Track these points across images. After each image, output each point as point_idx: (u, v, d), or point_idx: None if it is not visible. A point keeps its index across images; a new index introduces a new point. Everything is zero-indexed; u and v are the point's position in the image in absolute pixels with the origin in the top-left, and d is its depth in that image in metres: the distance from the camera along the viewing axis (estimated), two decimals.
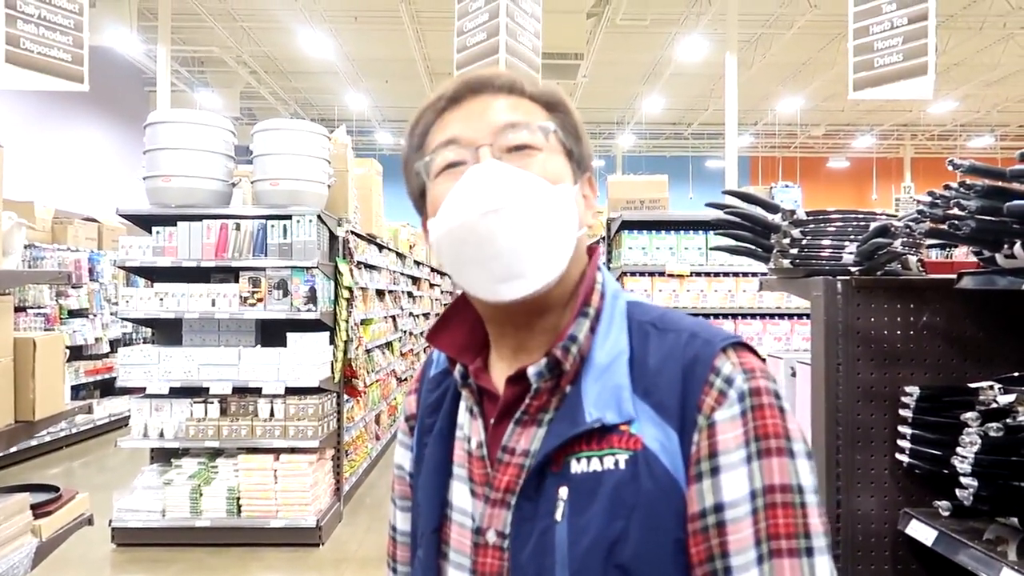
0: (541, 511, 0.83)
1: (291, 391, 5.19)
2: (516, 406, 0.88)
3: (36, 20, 5.73)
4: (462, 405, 0.95)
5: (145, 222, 5.41)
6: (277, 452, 5.19)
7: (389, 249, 8.34)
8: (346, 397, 5.91)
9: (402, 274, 9.32)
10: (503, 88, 0.89)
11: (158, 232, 5.22)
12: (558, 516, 0.82)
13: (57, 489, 2.65)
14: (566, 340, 0.86)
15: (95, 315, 9.08)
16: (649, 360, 0.85)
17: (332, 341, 5.46)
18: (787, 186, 6.70)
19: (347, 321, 5.63)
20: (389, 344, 8.22)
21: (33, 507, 2.41)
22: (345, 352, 5.63)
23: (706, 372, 0.82)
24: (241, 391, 5.22)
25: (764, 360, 0.86)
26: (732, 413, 0.80)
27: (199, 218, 5.21)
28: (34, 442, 7.55)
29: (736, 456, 0.79)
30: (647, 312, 0.91)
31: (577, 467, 0.82)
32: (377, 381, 7.34)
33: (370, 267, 7.21)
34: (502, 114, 0.87)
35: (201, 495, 5.08)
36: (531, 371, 0.86)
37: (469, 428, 0.93)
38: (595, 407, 0.83)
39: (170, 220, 5.22)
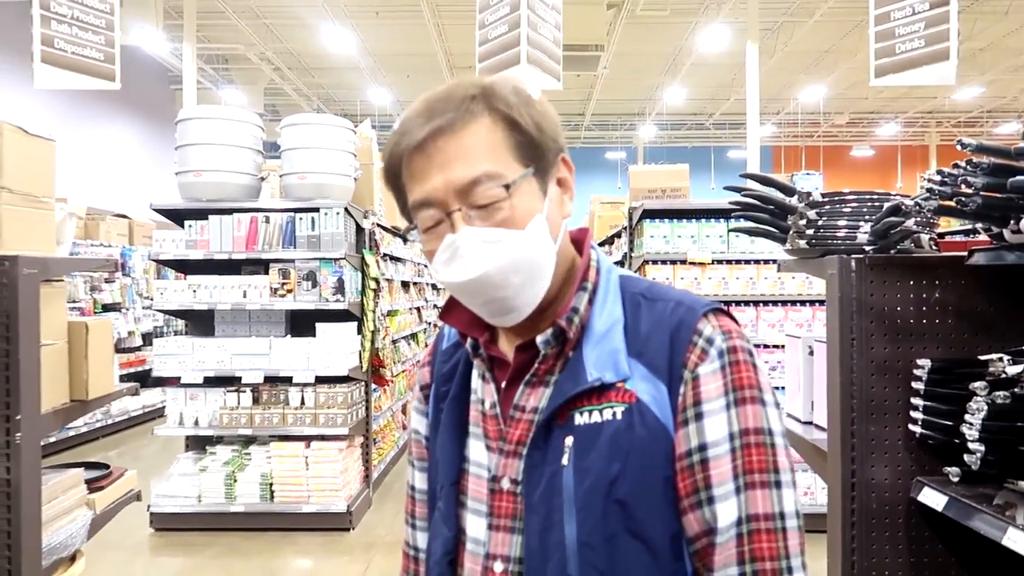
0: (549, 458, 0.95)
1: (321, 380, 5.32)
2: (525, 370, 1.00)
3: (69, 20, 5.88)
4: (474, 372, 1.07)
5: (177, 216, 5.56)
6: (308, 440, 5.33)
7: (414, 242, 8.43)
8: (373, 386, 6.03)
9: (426, 266, 9.39)
10: (459, 119, 0.92)
11: (190, 226, 5.37)
12: (564, 461, 0.94)
13: (108, 467, 2.79)
14: (569, 312, 0.98)
15: (127, 309, 9.30)
16: (641, 326, 0.98)
17: (360, 331, 5.58)
18: (808, 174, 6.73)
19: (374, 312, 5.75)
20: (414, 335, 8.34)
21: (87, 482, 2.55)
22: (372, 342, 5.75)
23: (690, 334, 0.95)
24: (272, 380, 5.36)
25: (739, 324, 0.98)
26: (713, 368, 0.93)
27: (229, 211, 5.35)
28: (71, 432, 7.77)
29: (717, 404, 0.92)
30: (637, 284, 1.03)
31: (580, 419, 0.95)
32: (403, 372, 7.46)
33: (395, 259, 7.33)
34: (464, 167, 0.91)
35: (235, 481, 5.23)
36: (539, 339, 0.98)
37: (482, 392, 1.05)
38: (595, 368, 0.96)
39: (201, 214, 5.37)
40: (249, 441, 5.50)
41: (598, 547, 0.90)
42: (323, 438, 5.34)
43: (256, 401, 5.38)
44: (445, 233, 0.93)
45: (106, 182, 13.07)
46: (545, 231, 0.96)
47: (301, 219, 5.33)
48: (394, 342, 6.86)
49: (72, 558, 2.42)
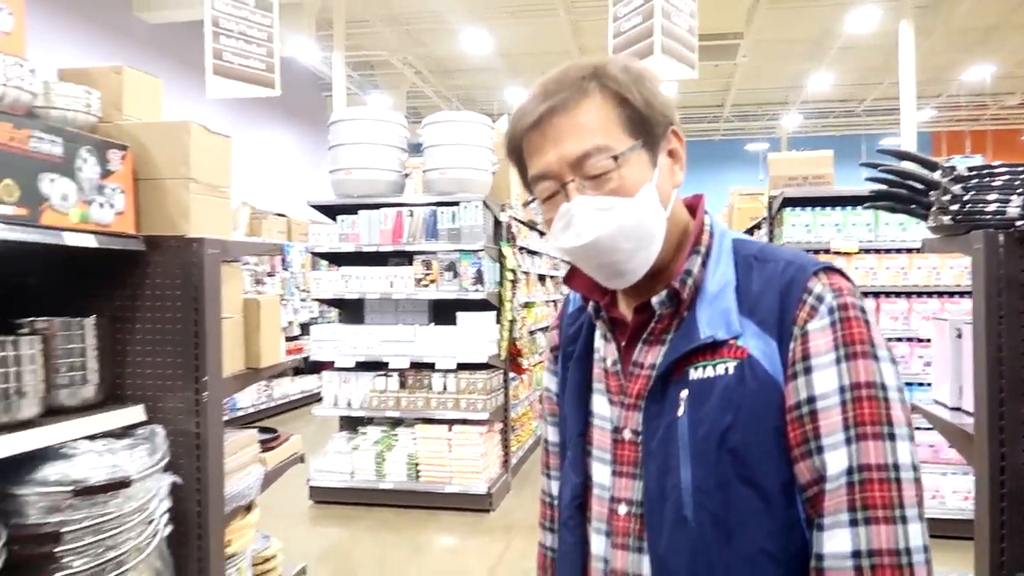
0: (666, 410, 1.03)
1: (461, 366, 5.56)
2: (643, 330, 1.09)
3: (236, 35, 6.45)
4: (596, 333, 1.17)
5: (330, 212, 5.98)
6: (450, 423, 5.59)
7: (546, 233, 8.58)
8: (511, 375, 6.22)
9: (563, 260, 9.55)
10: (571, 98, 1.00)
11: (342, 220, 5.76)
12: (679, 412, 1.01)
13: (276, 431, 3.11)
14: (683, 274, 1.05)
15: (287, 300, 10.02)
16: (752, 286, 1.03)
17: (498, 320, 5.77)
18: (967, 158, 6.30)
19: (511, 302, 5.93)
20: (549, 328, 8.47)
21: (259, 443, 2.86)
22: (510, 331, 5.93)
23: (800, 292, 0.98)
24: (417, 366, 5.66)
25: (852, 282, 1.00)
26: (823, 324, 0.96)
27: (377, 206, 5.69)
28: (240, 412, 8.50)
29: (826, 358, 0.95)
30: (750, 247, 1.08)
31: (695, 374, 1.02)
32: (539, 363, 7.61)
33: (531, 252, 7.49)
34: (576, 142, 0.99)
35: (384, 460, 5.57)
36: (654, 300, 1.06)
37: (604, 351, 1.15)
38: (708, 326, 1.02)
39: (352, 209, 5.75)
40: (396, 423, 5.83)
41: (712, 492, 0.97)
42: (464, 422, 5.58)
43: (402, 385, 5.69)
44: (561, 203, 1.03)
45: (267, 183, 14.09)
46: (655, 199, 1.03)
47: (442, 212, 5.60)
48: (531, 333, 7.02)
49: (248, 508, 2.73)
